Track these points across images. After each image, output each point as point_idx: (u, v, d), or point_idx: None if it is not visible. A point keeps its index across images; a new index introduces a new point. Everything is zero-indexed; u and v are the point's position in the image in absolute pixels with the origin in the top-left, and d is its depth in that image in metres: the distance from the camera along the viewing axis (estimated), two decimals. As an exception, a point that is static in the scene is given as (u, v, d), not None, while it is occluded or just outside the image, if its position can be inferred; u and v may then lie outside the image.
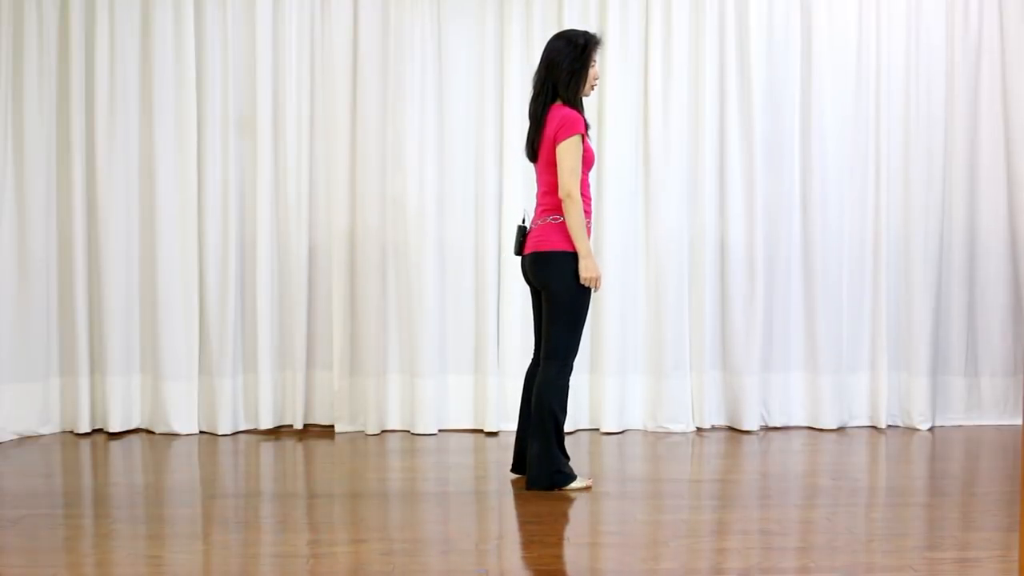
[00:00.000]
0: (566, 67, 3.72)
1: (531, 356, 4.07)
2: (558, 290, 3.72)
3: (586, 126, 3.77)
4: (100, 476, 4.24)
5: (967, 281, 5.09)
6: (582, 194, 3.73)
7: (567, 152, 3.66)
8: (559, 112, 3.71)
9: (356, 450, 4.63)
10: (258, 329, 4.92)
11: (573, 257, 3.70)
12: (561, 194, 3.69)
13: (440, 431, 4.96)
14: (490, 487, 4.00)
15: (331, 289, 4.95)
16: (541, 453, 3.78)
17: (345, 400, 4.95)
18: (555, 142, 3.69)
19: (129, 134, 4.90)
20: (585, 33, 3.80)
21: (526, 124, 4.91)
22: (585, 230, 3.71)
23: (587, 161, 3.78)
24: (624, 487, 3.97)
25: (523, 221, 3.91)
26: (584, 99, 3.87)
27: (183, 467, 4.35)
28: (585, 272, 3.69)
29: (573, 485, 3.82)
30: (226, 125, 4.91)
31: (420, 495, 3.84)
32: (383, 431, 4.96)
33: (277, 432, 4.96)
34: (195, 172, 4.87)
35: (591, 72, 3.79)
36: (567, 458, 3.87)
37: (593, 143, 4.96)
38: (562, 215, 3.71)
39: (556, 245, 3.72)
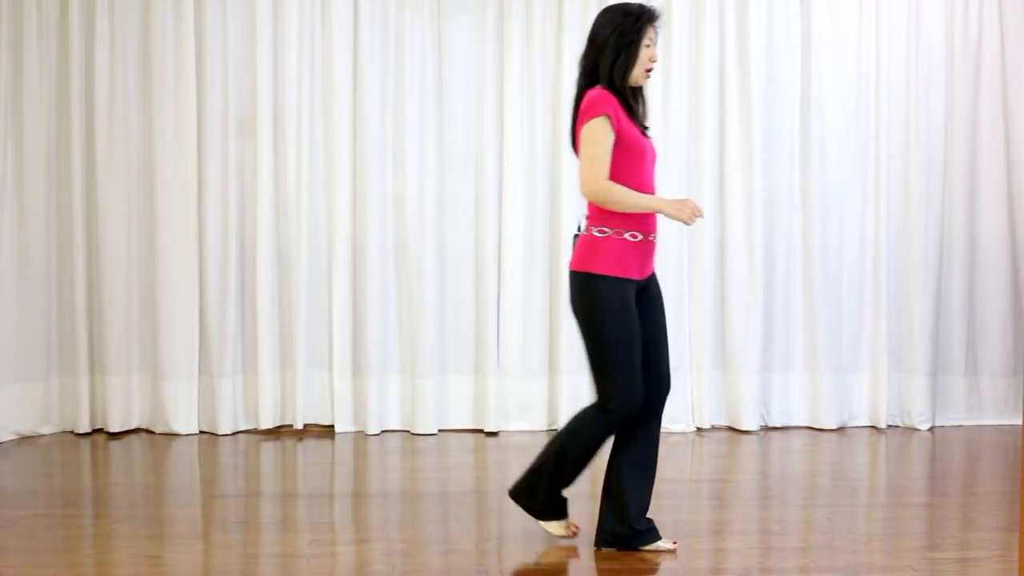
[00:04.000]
0: (612, 43, 3.03)
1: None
2: (584, 321, 3.06)
3: (629, 112, 3.08)
4: (100, 476, 4.24)
5: (967, 280, 5.08)
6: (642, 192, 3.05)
7: (586, 139, 2.98)
8: (588, 94, 3.04)
9: (356, 450, 4.64)
10: (258, 329, 4.91)
11: (604, 281, 3.01)
12: (584, 193, 3.01)
13: (440, 431, 4.95)
14: (490, 487, 4.00)
15: (331, 289, 4.94)
16: (530, 475, 3.23)
17: (345, 400, 4.95)
18: (578, 127, 3.04)
19: (129, 134, 4.89)
20: (641, 4, 3.10)
21: (530, 123, 4.97)
22: (638, 198, 3.00)
23: (637, 153, 3.05)
24: (624, 487, 3.96)
25: (578, 229, 3.17)
26: (643, 87, 3.17)
27: (183, 467, 4.35)
28: (678, 214, 3.00)
29: (549, 526, 3.23)
30: (226, 125, 4.90)
31: (420, 495, 3.84)
32: (383, 431, 4.96)
33: (277, 432, 4.96)
34: (195, 172, 4.86)
35: (645, 53, 3.06)
36: (560, 499, 3.26)
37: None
38: (610, 227, 3.02)
39: (586, 265, 3.03)
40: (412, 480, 4.11)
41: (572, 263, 3.09)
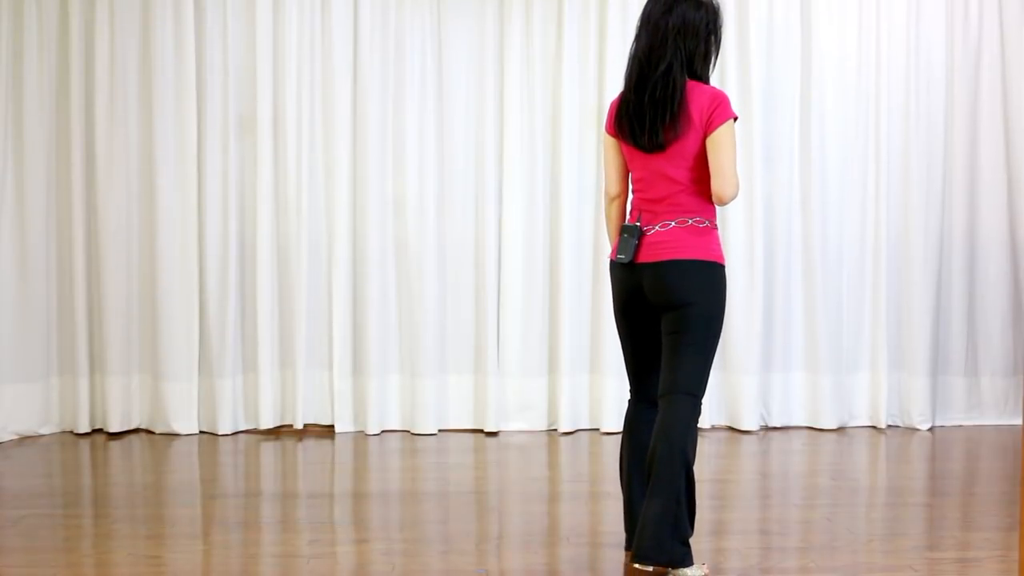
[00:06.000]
0: (703, 36, 2.92)
1: (639, 383, 3.13)
2: (706, 310, 2.90)
3: None
4: (100, 476, 4.24)
5: (967, 281, 5.09)
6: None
7: (731, 138, 2.86)
8: (706, 91, 2.90)
9: (356, 450, 4.64)
10: (258, 329, 4.91)
11: (723, 270, 2.95)
12: (730, 192, 2.85)
13: (440, 431, 4.95)
14: (490, 487, 4.00)
15: (331, 289, 4.94)
16: (664, 514, 2.80)
17: (345, 400, 4.95)
18: (708, 127, 2.86)
19: (129, 134, 4.89)
20: None
21: (530, 123, 4.98)
22: None
23: None
24: (624, 487, 3.96)
25: (638, 220, 2.98)
26: None
27: (183, 467, 4.35)
28: None
29: (691, 572, 2.85)
30: (226, 125, 4.90)
31: (420, 495, 3.84)
32: (383, 431, 4.96)
33: (277, 432, 4.96)
34: (195, 172, 4.86)
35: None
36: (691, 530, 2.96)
37: (590, 143, 4.98)
38: (707, 218, 2.93)
39: (705, 254, 2.90)
40: (412, 480, 4.12)
41: (689, 252, 2.90)
